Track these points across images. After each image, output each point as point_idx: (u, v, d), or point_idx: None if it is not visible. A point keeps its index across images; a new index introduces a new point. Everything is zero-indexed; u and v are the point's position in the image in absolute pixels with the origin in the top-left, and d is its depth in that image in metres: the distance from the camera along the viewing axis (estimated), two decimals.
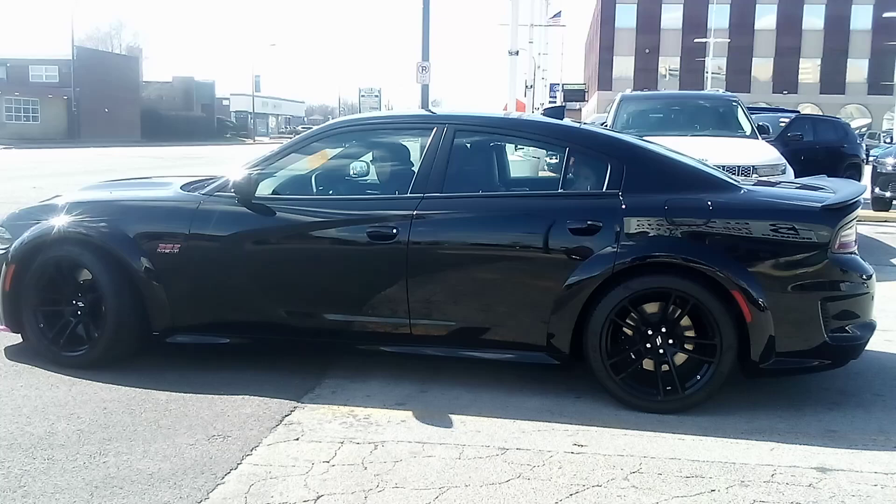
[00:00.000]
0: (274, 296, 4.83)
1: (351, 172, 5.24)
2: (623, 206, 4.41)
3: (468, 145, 5.00)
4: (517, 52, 16.64)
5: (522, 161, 8.11)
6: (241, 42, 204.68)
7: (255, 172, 4.87)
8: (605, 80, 66.30)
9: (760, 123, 10.97)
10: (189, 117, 76.38)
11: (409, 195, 4.67)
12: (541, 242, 4.45)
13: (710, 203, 4.37)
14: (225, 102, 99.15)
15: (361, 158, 5.31)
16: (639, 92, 13.68)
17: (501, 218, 4.63)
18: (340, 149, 5.39)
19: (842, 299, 4.40)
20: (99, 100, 61.86)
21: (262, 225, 4.83)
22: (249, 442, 3.92)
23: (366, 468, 3.66)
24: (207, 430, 4.04)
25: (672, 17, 65.55)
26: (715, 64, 53.11)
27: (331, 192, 5.22)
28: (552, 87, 53.72)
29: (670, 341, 4.37)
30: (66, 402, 4.38)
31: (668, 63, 65.23)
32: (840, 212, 4.37)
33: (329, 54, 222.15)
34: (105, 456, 3.72)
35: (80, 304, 4.97)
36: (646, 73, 63.47)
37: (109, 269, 4.85)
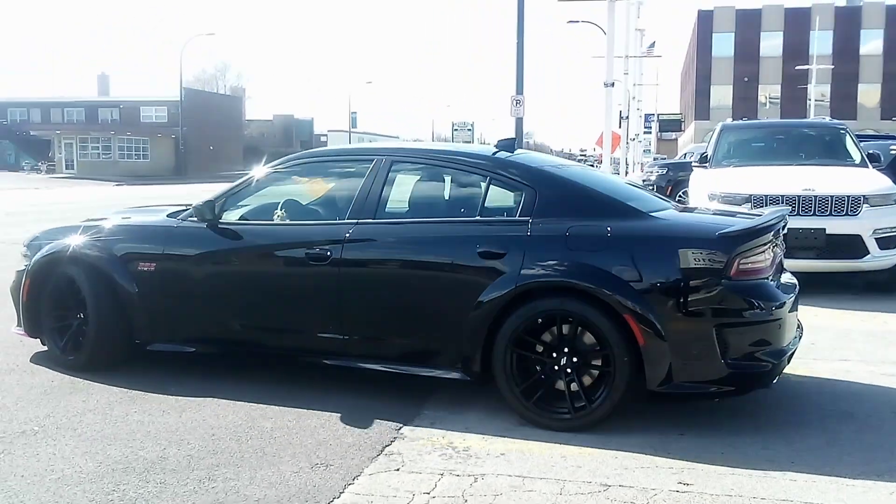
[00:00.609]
0: (229, 311, 5.39)
1: (301, 202, 5.73)
2: (528, 233, 4.65)
3: (402, 175, 5.36)
4: (612, 84, 16.51)
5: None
6: (339, 80, 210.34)
7: (218, 200, 5.48)
8: (702, 109, 65.10)
9: (870, 151, 10.54)
10: (288, 153, 78.67)
11: (344, 221, 5.09)
12: (455, 266, 4.75)
13: (609, 229, 4.54)
14: (323, 139, 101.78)
15: (312, 189, 5.87)
16: (740, 121, 13.32)
17: (423, 242, 4.92)
18: (297, 179, 5.95)
19: (742, 326, 4.41)
20: (204, 138, 64.62)
21: (219, 247, 5.41)
22: (351, 471, 3.97)
23: (466, 501, 3.64)
24: (311, 459, 4.11)
25: (771, 44, 63.95)
26: (818, 91, 51.40)
27: (286, 218, 5.52)
28: (647, 117, 53.06)
29: (574, 360, 4.50)
30: (177, 428, 4.54)
31: (769, 91, 63.56)
32: (738, 238, 4.42)
33: (423, 89, 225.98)
34: (213, 481, 3.83)
35: (80, 315, 5.63)
36: (745, 101, 62.00)
37: (94, 284, 5.53)
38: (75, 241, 5.72)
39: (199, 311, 5.49)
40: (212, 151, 65.17)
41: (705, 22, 66.25)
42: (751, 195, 8.75)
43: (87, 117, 73.02)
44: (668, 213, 5.04)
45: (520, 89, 20.45)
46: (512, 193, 4.99)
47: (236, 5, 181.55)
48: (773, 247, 4.72)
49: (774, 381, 4.54)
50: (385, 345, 5.06)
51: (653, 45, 41.26)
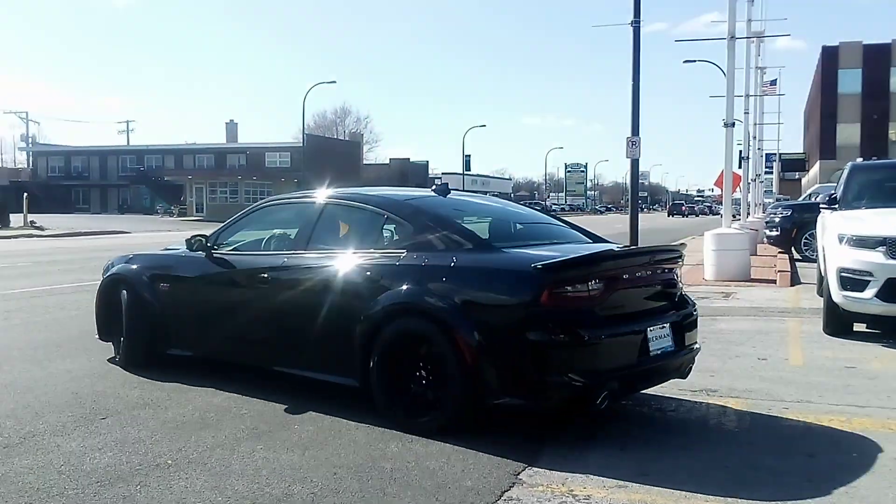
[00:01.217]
0: (212, 324, 6.73)
1: (265, 236, 6.91)
2: (398, 263, 5.53)
3: (332, 214, 6.42)
4: (732, 124, 16.06)
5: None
6: (454, 123, 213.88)
7: (211, 234, 6.96)
8: (827, 148, 62.64)
9: None
10: None
11: (283, 252, 6.36)
12: (349, 291, 5.69)
13: (454, 260, 5.33)
14: (437, 181, 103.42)
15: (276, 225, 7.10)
16: (871, 160, 12.71)
17: (335, 269, 5.82)
18: (266, 219, 7.14)
19: (558, 349, 4.85)
20: (324, 181, 66.72)
21: (206, 271, 6.79)
22: None
23: None
24: (430, 502, 4.12)
25: None
26: None
27: (254, 249, 6.80)
28: (768, 157, 51.34)
29: (429, 370, 5.25)
30: (301, 465, 4.65)
31: None
32: (553, 271, 4.93)
33: (536, 130, 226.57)
34: None
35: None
36: (874, 140, 59.24)
37: (131, 299, 7.12)
38: (120, 266, 7.48)
39: (196, 323, 6.90)
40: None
41: (830, 59, 64.02)
42: (885, 238, 8.31)
43: (216, 163, 76.93)
44: (514, 247, 5.65)
45: (635, 130, 20.20)
46: (397, 229, 5.97)
47: (357, 54, 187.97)
48: (616, 278, 5.18)
49: (601, 403, 4.89)
50: (306, 353, 6.01)
51: (774, 81, 40.10)
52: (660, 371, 5.43)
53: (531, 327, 4.84)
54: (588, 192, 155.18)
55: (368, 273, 5.62)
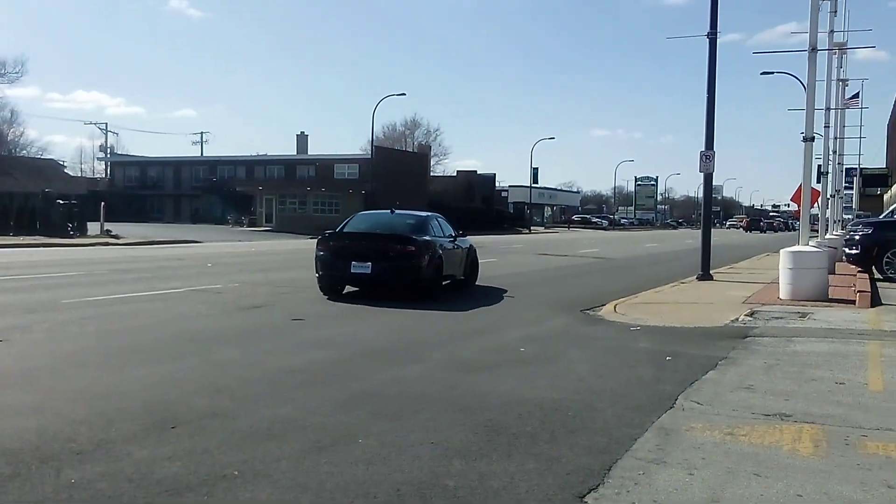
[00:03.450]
0: None
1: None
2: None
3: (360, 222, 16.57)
4: (813, 139, 15.58)
5: None
6: (523, 135, 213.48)
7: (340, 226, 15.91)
8: None
9: None
10: (470, 208, 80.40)
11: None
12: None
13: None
14: (504, 194, 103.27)
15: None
16: None
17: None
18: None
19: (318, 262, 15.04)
20: (392, 193, 67.15)
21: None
22: None
23: None
24: None
25: None
26: None
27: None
28: (848, 171, 49.73)
29: None
30: (364, 480, 4.63)
31: None
32: (327, 237, 15.02)
33: (606, 143, 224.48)
34: None
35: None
36: None
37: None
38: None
39: None
40: (398, 206, 67.60)
41: None
42: None
43: (286, 174, 78.32)
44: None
45: (710, 144, 19.82)
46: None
47: (427, 66, 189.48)
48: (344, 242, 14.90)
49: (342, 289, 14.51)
50: None
51: (856, 94, 38.89)
52: (355, 279, 14.49)
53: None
54: (658, 206, 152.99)
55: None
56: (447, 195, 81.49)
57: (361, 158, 71.80)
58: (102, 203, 41.66)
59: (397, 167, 70.63)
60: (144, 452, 5.07)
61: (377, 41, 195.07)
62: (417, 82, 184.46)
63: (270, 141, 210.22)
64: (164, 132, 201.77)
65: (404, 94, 79.88)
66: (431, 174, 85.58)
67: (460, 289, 16.37)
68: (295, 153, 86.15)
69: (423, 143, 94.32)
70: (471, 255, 17.24)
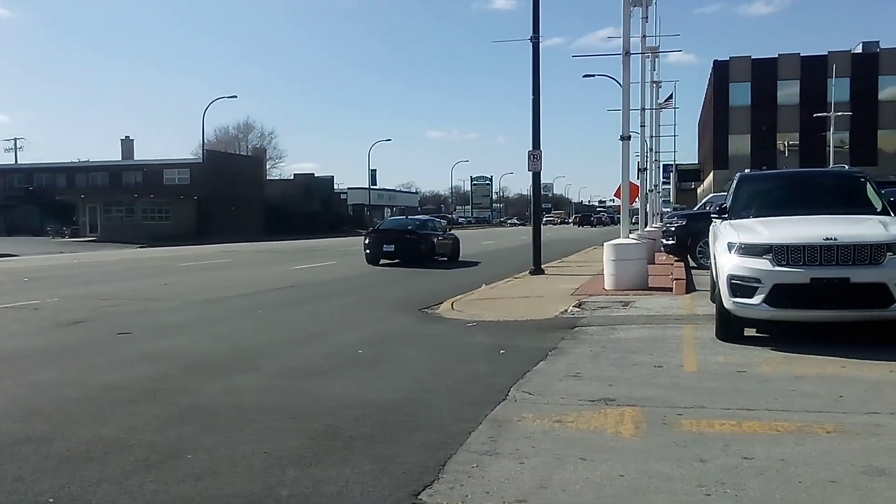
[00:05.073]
0: None
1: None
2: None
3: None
4: (629, 138, 16.53)
5: None
6: (359, 137, 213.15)
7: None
8: (720, 158, 65.14)
9: (893, 199, 10.42)
10: (309, 212, 79.47)
11: None
12: None
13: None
14: (343, 196, 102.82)
15: None
16: (757, 171, 13.27)
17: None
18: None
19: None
20: (226, 199, 65.30)
21: None
22: None
23: None
24: None
25: (788, 93, 64.25)
26: (837, 138, 51.01)
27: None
28: (665, 168, 53.09)
29: None
30: (192, 497, 4.45)
31: (787, 139, 63.44)
32: (371, 231, 23.18)
33: (442, 144, 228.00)
34: None
35: None
36: (764, 150, 62.00)
37: None
38: None
39: None
40: (233, 212, 65.79)
41: (721, 72, 66.70)
42: (771, 245, 8.65)
43: (111, 181, 74.27)
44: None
45: (536, 143, 20.58)
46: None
47: (259, 68, 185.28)
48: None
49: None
50: None
51: (670, 96, 41.57)
52: (386, 254, 25.68)
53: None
54: (494, 205, 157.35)
55: None
56: (285, 198, 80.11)
57: (192, 163, 69.25)
58: None
59: (231, 171, 68.69)
60: None
61: (205, 42, 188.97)
62: (249, 85, 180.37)
63: (93, 147, 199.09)
64: None
65: (235, 97, 77.88)
66: (268, 178, 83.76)
67: (450, 261, 26.86)
68: (120, 159, 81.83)
69: (257, 146, 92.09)
70: (454, 243, 28.20)
